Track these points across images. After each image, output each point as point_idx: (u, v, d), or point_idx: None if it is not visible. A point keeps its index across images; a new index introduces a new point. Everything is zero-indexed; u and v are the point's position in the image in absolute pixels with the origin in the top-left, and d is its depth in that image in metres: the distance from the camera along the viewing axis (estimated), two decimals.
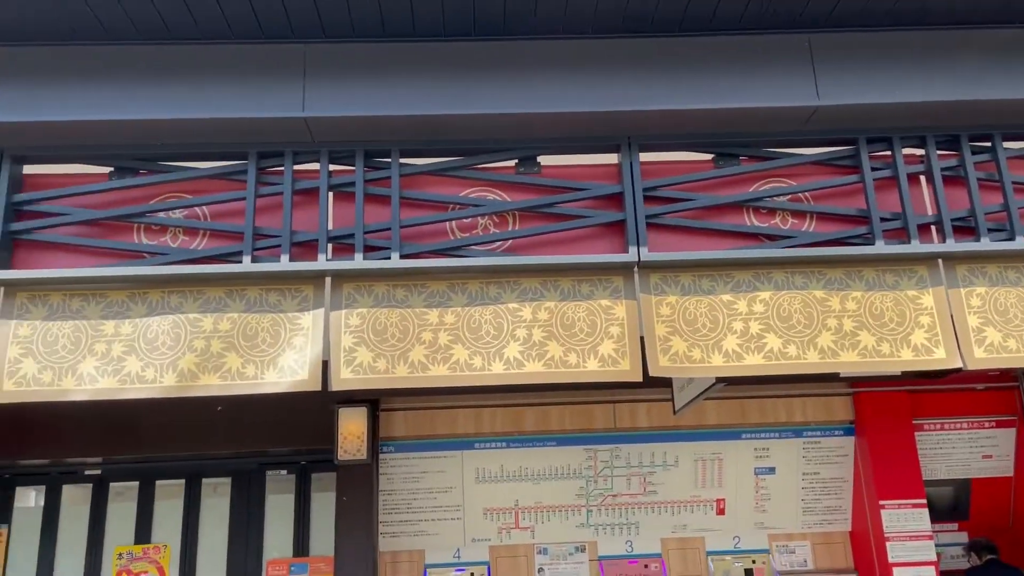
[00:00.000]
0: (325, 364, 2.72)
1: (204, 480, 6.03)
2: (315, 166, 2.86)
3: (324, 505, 5.99)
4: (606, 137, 2.89)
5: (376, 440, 5.66)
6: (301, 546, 5.86)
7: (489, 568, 5.79)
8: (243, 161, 2.86)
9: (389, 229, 2.83)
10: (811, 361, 2.68)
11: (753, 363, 2.68)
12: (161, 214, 2.84)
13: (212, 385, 2.68)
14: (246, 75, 2.73)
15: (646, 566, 5.84)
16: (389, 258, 2.78)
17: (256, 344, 2.74)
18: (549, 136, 2.89)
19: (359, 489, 5.53)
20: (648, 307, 2.76)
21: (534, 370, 2.73)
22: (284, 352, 2.74)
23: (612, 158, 2.94)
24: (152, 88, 2.75)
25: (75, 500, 5.97)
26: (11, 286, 2.71)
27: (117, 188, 2.85)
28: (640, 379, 2.71)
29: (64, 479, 5.90)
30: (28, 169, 2.86)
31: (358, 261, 2.77)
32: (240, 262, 2.74)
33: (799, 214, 3.04)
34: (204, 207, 2.87)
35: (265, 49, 2.73)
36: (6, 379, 2.65)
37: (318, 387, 2.70)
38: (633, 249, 2.77)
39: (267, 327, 2.75)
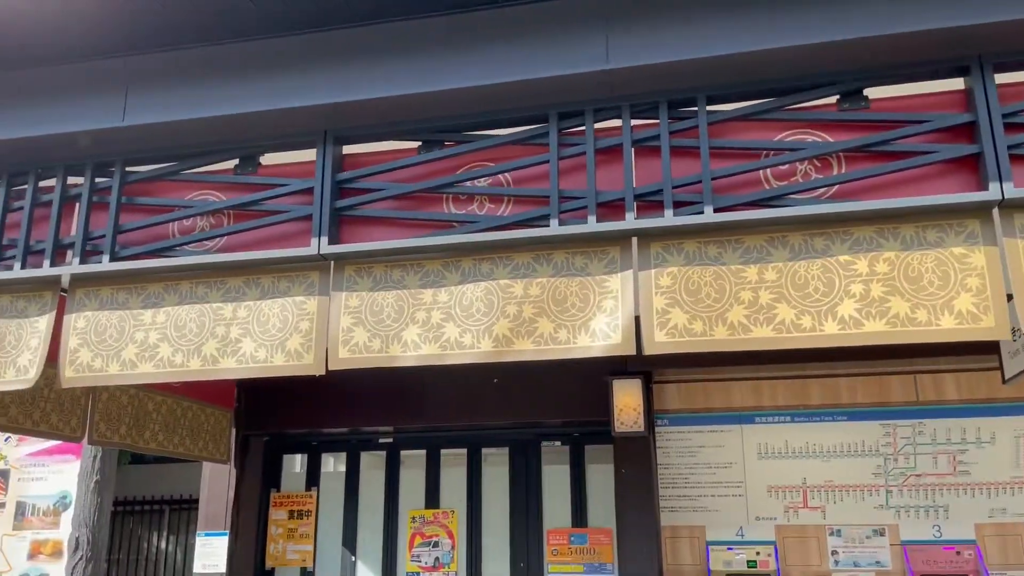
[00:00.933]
0: (637, 327, 2.60)
1: (484, 450, 6.26)
2: (615, 123, 2.74)
3: (599, 477, 5.97)
4: (949, 60, 2.50)
5: (651, 413, 5.53)
6: (579, 517, 5.89)
7: (776, 548, 5.45)
8: (543, 124, 2.81)
9: (698, 182, 2.64)
10: None
11: None
12: (467, 183, 2.86)
13: (526, 350, 2.67)
14: (544, 33, 2.67)
15: (958, 553, 5.20)
16: (701, 212, 2.59)
17: (566, 308, 2.68)
18: (877, 64, 2.55)
19: (637, 462, 5.44)
20: (1015, 253, 2.34)
21: (875, 329, 2.42)
22: (595, 316, 2.65)
23: (958, 83, 2.54)
24: (452, 58, 2.76)
25: (372, 466, 6.45)
26: (340, 259, 2.86)
27: (426, 161, 2.91)
28: (1008, 337, 2.31)
29: (361, 447, 6.40)
30: (347, 149, 2.99)
31: (668, 218, 2.61)
32: (547, 226, 2.69)
33: None
34: (508, 173, 2.85)
35: (563, 4, 2.65)
36: (341, 347, 2.80)
37: (632, 351, 2.58)
38: (994, 186, 2.36)
39: (575, 291, 2.68)
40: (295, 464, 6.70)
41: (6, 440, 6.20)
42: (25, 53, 2.95)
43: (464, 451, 6.24)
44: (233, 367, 2.86)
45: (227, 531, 5.86)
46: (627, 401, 5.35)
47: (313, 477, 6.37)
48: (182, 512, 8.99)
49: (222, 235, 3.00)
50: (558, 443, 6.16)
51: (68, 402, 4.51)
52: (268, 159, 3.06)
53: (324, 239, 2.84)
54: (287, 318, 2.88)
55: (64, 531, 5.93)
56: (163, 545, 9.02)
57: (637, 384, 5.38)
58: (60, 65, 2.98)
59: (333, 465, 6.70)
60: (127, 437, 4.91)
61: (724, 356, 5.71)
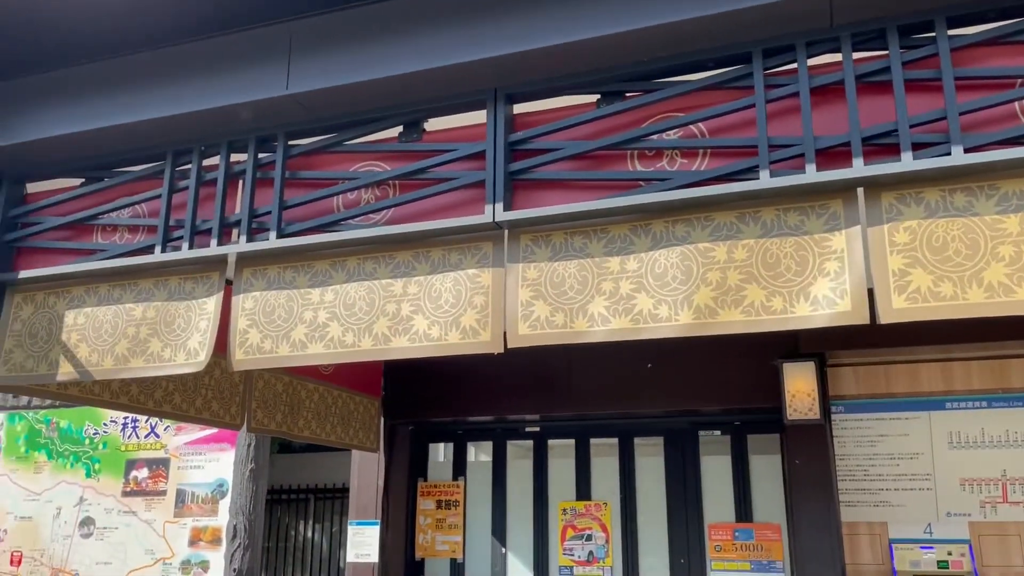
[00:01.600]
0: (870, 292, 2.22)
1: (636, 439, 5.94)
2: (834, 57, 2.36)
3: (763, 468, 5.54)
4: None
5: (826, 399, 5.05)
6: (743, 511, 5.48)
7: (971, 547, 4.87)
8: (746, 65, 2.45)
9: (940, 119, 2.23)
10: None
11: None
12: (655, 136, 2.55)
13: (735, 321, 2.34)
14: None
15: None
16: (948, 154, 2.18)
17: (780, 273, 2.32)
18: None
19: (812, 452, 4.97)
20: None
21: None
22: (816, 280, 2.28)
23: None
24: None
25: (519, 455, 6.24)
26: (516, 227, 2.61)
27: (606, 115, 2.61)
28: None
29: (507, 435, 6.21)
30: (518, 109, 2.74)
31: (905, 162, 2.21)
32: (756, 178, 2.35)
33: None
34: (702, 123, 2.52)
35: None
36: (520, 322, 2.55)
37: (865, 319, 2.20)
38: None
39: (790, 253, 2.32)
40: (441, 453, 6.58)
41: (165, 429, 6.37)
42: (182, 25, 2.85)
43: (615, 440, 5.94)
44: (406, 346, 2.66)
45: (378, 520, 5.79)
46: (800, 386, 4.90)
47: (460, 466, 6.23)
48: (327, 501, 9.10)
49: (388, 207, 2.80)
50: (717, 432, 5.76)
51: (227, 389, 4.50)
52: (433, 124, 2.84)
53: (499, 205, 2.59)
54: (460, 293, 2.65)
55: (222, 518, 6.02)
56: (311, 534, 9.17)
57: (810, 367, 4.91)
58: (220, 36, 2.86)
59: (479, 454, 6.54)
60: (283, 424, 4.88)
61: (908, 335, 5.18)
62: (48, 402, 6.80)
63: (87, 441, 6.60)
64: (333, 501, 9.08)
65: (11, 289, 3.24)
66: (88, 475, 6.50)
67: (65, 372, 3.06)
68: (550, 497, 5.95)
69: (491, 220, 2.59)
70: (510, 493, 6.06)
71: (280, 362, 2.81)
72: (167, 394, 4.07)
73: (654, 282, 2.44)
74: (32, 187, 3.35)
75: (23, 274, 3.13)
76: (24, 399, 6.88)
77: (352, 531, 5.84)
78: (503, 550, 5.94)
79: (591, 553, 5.74)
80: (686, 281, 2.40)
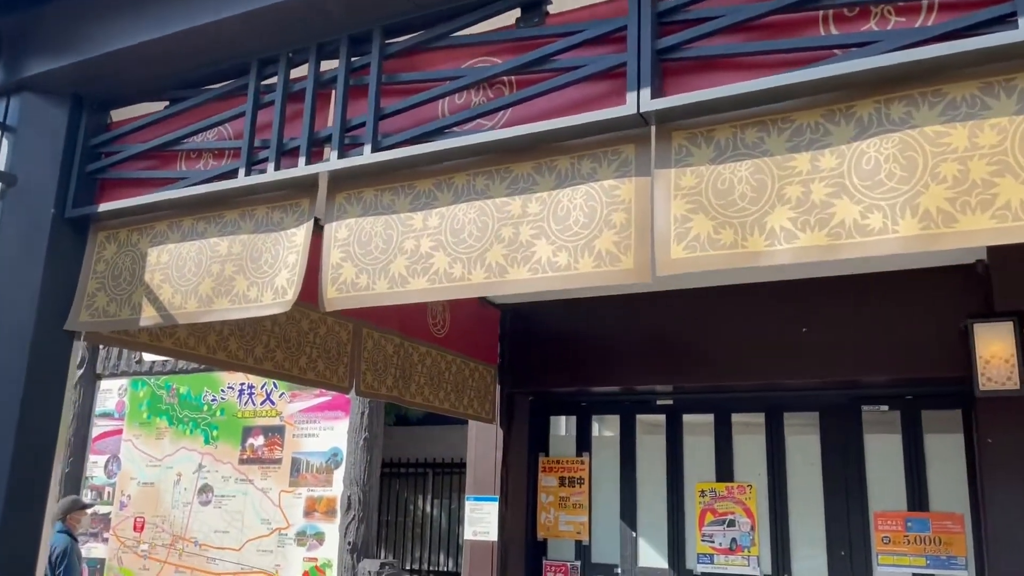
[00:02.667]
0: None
1: (786, 415, 5.21)
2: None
3: (941, 449, 4.71)
4: None
5: None
6: (916, 498, 4.67)
7: None
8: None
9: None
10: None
11: None
12: None
13: (982, 231, 1.68)
14: None
15: None
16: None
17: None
18: None
19: (1011, 430, 4.12)
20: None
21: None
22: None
23: None
24: None
25: (650, 430, 5.64)
26: (666, 120, 2.01)
27: None
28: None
29: (637, 409, 5.62)
30: None
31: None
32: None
33: None
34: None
35: None
36: (674, 243, 1.96)
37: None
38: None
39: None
40: (564, 426, 6.05)
41: (280, 396, 6.15)
42: None
43: (761, 416, 5.23)
44: (526, 278, 2.12)
45: (497, 496, 5.33)
46: (996, 350, 4.05)
47: (584, 441, 5.68)
48: (445, 476, 8.78)
49: (503, 107, 2.25)
50: (884, 408, 4.95)
51: (334, 349, 4.12)
52: (559, 4, 2.28)
53: (644, 92, 1.99)
54: (594, 210, 2.09)
55: (336, 489, 5.74)
56: (428, 508, 8.88)
57: (1008, 329, 4.06)
58: None
59: (605, 429, 5.98)
60: (394, 389, 4.47)
61: None
62: (168, 367, 6.73)
63: (205, 407, 6.48)
64: (452, 476, 8.74)
65: (95, 226, 2.92)
66: (207, 442, 6.38)
67: (148, 316, 2.71)
68: (686, 477, 5.32)
69: (635, 111, 2.00)
70: (640, 471, 5.47)
71: (378, 300, 2.33)
72: (268, 351, 3.71)
73: (860, 182, 1.80)
74: (117, 115, 3.02)
75: (104, 207, 2.80)
76: (146, 364, 6.84)
77: (470, 507, 5.40)
78: (633, 534, 5.37)
79: (734, 540, 5.07)
80: (908, 179, 1.75)
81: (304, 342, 3.92)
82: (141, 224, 2.82)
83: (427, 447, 8.85)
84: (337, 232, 2.44)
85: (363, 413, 5.69)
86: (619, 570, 5.35)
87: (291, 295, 2.43)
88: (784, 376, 4.85)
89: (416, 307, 4.70)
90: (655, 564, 5.27)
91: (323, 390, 6.05)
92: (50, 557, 4.63)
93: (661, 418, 5.52)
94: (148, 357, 6.85)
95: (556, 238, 2.12)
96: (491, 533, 5.28)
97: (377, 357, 4.38)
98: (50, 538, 5.02)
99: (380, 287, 2.32)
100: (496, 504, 5.32)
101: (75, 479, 6.74)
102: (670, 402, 5.50)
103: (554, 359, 5.41)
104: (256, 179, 2.50)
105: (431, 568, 8.72)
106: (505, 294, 2.28)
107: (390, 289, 2.30)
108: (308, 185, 2.50)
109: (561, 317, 5.42)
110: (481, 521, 5.33)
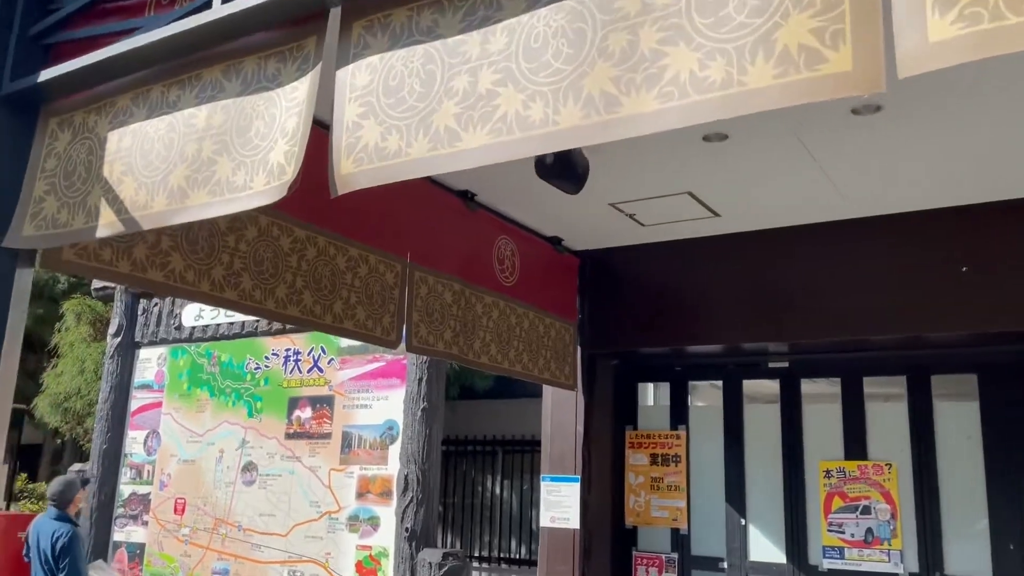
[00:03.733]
0: None
1: (933, 378, 4.23)
2: None
3: None
4: None
5: None
6: None
7: None
8: None
9: None
10: None
11: None
12: None
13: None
14: None
15: None
16: None
17: None
18: None
19: None
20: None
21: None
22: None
23: None
24: None
25: (760, 398, 4.73)
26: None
27: None
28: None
29: (744, 373, 4.71)
30: None
31: None
32: None
33: None
34: None
35: None
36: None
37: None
38: None
39: None
40: (652, 395, 5.18)
41: (329, 362, 5.44)
42: None
43: (902, 380, 4.26)
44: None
45: (578, 476, 4.50)
46: None
47: (679, 412, 4.79)
48: (516, 454, 7.97)
49: None
50: None
51: (378, 293, 3.33)
52: None
53: None
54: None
55: (392, 467, 5.01)
56: (497, 490, 8.11)
57: None
58: None
59: (703, 398, 5.09)
60: (452, 345, 3.67)
61: None
62: (209, 333, 6.10)
63: (248, 376, 5.83)
64: (523, 454, 7.93)
65: (45, 111, 2.17)
66: (250, 414, 5.73)
67: (106, 222, 1.95)
68: (806, 454, 4.39)
69: None
70: (749, 448, 4.56)
71: (414, 169, 1.50)
72: (293, 292, 2.95)
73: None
74: None
75: (48, 73, 2.05)
76: (186, 330, 6.23)
77: (546, 488, 4.59)
78: (742, 521, 4.47)
79: (870, 531, 4.14)
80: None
81: (339, 284, 3.14)
82: (100, 102, 2.06)
83: (495, 423, 8.04)
84: (354, 78, 1.62)
85: (420, 380, 4.92)
86: (725, 564, 4.47)
87: (290, 174, 1.62)
88: (933, 328, 3.87)
89: (479, 248, 3.89)
90: (770, 558, 4.37)
91: (376, 355, 5.30)
92: (51, 549, 3.99)
93: (774, 384, 4.60)
94: (188, 321, 6.23)
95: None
96: (571, 519, 4.46)
97: (433, 306, 3.58)
98: (40, 524, 4.33)
99: (418, 149, 1.49)
100: (577, 485, 4.49)
101: (113, 456, 6.19)
102: (784, 364, 4.57)
103: (642, 314, 4.53)
104: (236, 6, 1.70)
105: (501, 555, 7.95)
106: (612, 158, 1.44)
107: (433, 151, 1.47)
108: (312, 14, 1.69)
109: (650, 263, 4.53)
110: (559, 505, 4.51)
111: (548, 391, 4.74)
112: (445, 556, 4.54)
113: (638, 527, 4.78)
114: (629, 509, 4.80)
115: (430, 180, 3.48)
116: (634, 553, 4.75)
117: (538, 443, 8.12)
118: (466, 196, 3.72)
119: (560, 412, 4.69)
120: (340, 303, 3.14)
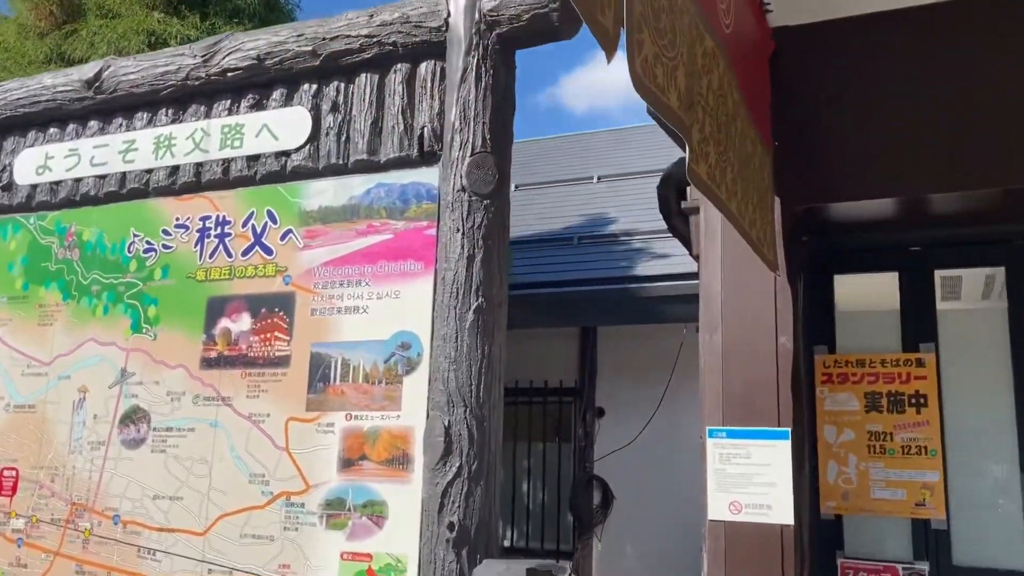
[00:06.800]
0: None
1: None
2: None
3: None
4: None
5: None
6: None
7: None
8: None
9: None
10: None
11: None
12: None
13: None
14: None
15: None
16: None
17: None
18: None
19: None
20: None
21: None
22: None
23: None
24: None
25: None
26: None
27: None
28: None
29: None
30: None
31: None
32: None
33: None
34: None
35: None
36: None
37: None
38: None
39: None
40: (864, 295, 3.18)
41: (285, 236, 3.07)
42: None
43: None
44: None
45: (787, 429, 2.46)
46: None
47: (924, 322, 2.83)
48: (524, 407, 5.78)
49: None
50: None
51: None
52: None
53: None
54: None
55: (411, 414, 2.78)
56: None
57: None
58: None
59: (960, 298, 3.15)
60: (686, 105, 1.51)
61: None
62: (63, 193, 3.61)
63: (133, 264, 3.42)
64: (533, 406, 5.78)
65: None
66: (136, 328, 3.35)
67: None
68: None
69: None
70: None
71: None
72: None
73: None
74: None
75: None
76: (21, 191, 3.70)
77: (716, 450, 2.52)
78: None
79: None
80: None
81: None
82: None
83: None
84: None
85: (472, 258, 2.70)
86: None
87: None
88: None
89: None
90: None
91: (374, 221, 3.03)
92: None
93: None
94: (23, 178, 3.70)
95: None
96: (776, 507, 2.42)
97: (661, 12, 1.42)
98: None
99: None
100: (787, 446, 2.45)
101: None
102: None
103: (855, 145, 2.54)
104: None
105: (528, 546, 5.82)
106: None
107: None
108: None
109: (877, 54, 2.54)
110: (748, 481, 2.46)
111: (713, 272, 2.66)
112: (530, 573, 2.41)
113: (842, 516, 2.82)
114: (828, 487, 2.82)
115: None
116: (840, 561, 2.78)
117: (567, 391, 5.96)
118: None
119: (740, 313, 2.61)
120: None
